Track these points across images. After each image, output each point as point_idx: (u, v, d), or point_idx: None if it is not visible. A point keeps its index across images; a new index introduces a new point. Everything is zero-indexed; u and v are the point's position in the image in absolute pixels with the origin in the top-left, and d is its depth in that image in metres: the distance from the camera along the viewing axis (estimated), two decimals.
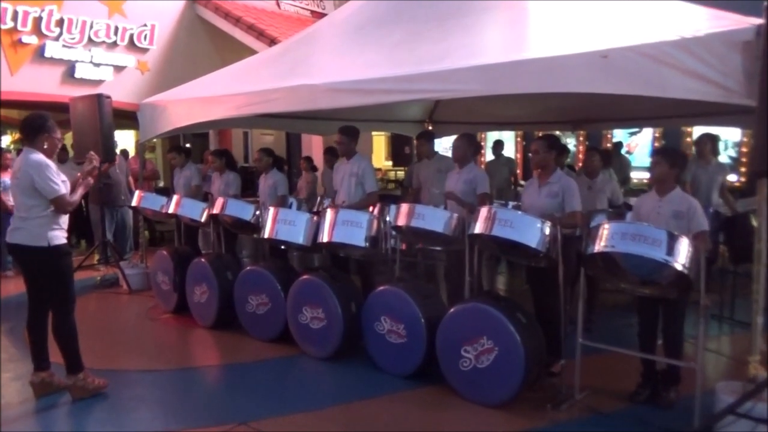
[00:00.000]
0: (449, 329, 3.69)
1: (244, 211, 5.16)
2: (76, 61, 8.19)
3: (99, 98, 6.16)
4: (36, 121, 3.62)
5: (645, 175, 9.81)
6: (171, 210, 5.81)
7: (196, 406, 3.71)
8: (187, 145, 10.58)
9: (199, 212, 5.64)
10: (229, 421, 3.40)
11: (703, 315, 3.16)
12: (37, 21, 7.70)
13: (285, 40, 6.78)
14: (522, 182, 8.76)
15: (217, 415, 3.50)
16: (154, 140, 9.06)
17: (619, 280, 3.57)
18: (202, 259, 5.22)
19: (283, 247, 4.98)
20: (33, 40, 7.74)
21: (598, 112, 6.85)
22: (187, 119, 5.79)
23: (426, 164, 5.80)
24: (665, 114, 6.28)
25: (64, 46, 8.01)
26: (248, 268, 4.97)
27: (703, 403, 3.11)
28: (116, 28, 8.49)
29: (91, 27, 8.21)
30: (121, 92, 8.04)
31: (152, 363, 4.44)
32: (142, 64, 8.92)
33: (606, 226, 3.31)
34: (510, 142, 11.29)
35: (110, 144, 6.35)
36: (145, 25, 8.81)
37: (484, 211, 3.67)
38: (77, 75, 8.20)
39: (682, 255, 3.06)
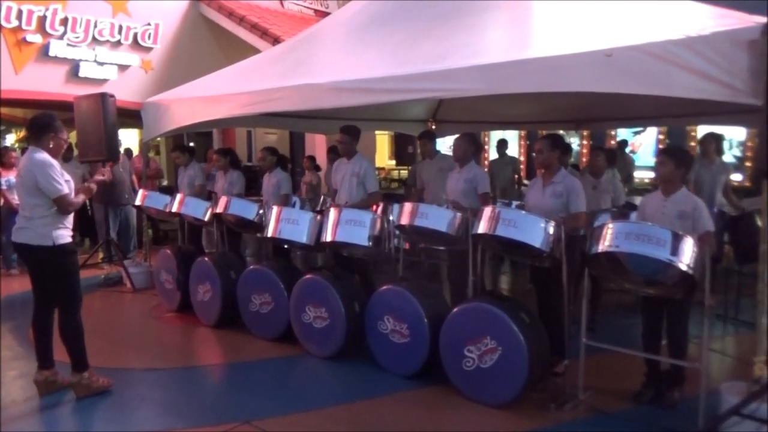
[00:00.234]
0: (452, 329, 3.68)
1: (248, 210, 5.16)
2: (80, 60, 8.21)
3: (103, 97, 6.16)
4: (43, 120, 3.64)
5: (649, 175, 9.81)
6: (174, 209, 5.83)
7: (199, 405, 3.71)
8: (191, 144, 10.58)
9: (202, 211, 5.65)
10: (231, 420, 3.40)
11: (707, 315, 3.15)
12: (42, 20, 7.72)
13: (288, 39, 6.79)
14: (526, 182, 8.73)
15: (219, 414, 3.51)
16: (158, 139, 9.08)
17: (623, 280, 3.56)
18: (206, 258, 5.23)
19: (286, 246, 4.98)
20: (37, 38, 7.76)
21: (602, 112, 6.84)
22: (191, 118, 5.80)
23: (428, 164, 5.80)
24: (670, 113, 6.26)
25: (68, 45, 8.03)
26: (251, 267, 4.97)
27: (707, 403, 3.09)
28: (120, 27, 8.51)
29: (96, 26, 8.23)
30: (125, 91, 8.06)
31: (155, 362, 4.45)
32: (146, 63, 8.94)
33: (610, 225, 3.30)
34: (514, 141, 11.27)
35: (114, 143, 6.35)
36: (149, 24, 8.82)
37: (487, 211, 3.67)
38: (81, 74, 8.22)
39: (687, 255, 3.04)
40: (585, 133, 10.57)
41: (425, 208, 4.17)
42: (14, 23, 7.53)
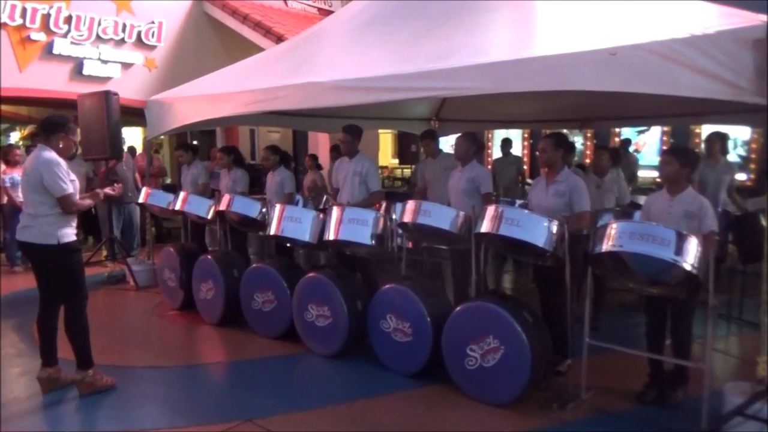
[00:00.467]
0: (455, 328, 3.68)
1: (251, 208, 5.17)
2: (84, 58, 8.24)
3: (107, 95, 6.18)
4: (57, 120, 3.68)
5: (652, 174, 9.78)
6: (178, 207, 5.83)
7: (201, 403, 3.72)
8: (194, 142, 10.62)
9: (205, 209, 5.65)
10: (234, 418, 3.41)
11: (711, 315, 3.14)
12: (46, 18, 7.75)
13: (292, 38, 6.78)
14: (529, 181, 8.72)
15: (222, 412, 3.51)
16: (161, 138, 9.09)
17: (626, 280, 3.54)
18: (209, 256, 5.23)
19: (288, 244, 4.98)
20: (41, 37, 7.79)
21: (606, 111, 6.82)
22: (194, 116, 5.80)
23: (432, 163, 5.79)
24: (674, 112, 6.24)
25: (72, 43, 8.06)
26: (254, 265, 4.97)
27: (710, 403, 3.08)
28: (124, 26, 8.54)
29: (99, 24, 8.26)
30: (128, 89, 8.09)
31: (158, 359, 4.46)
32: (150, 62, 8.95)
33: (614, 225, 3.28)
34: (517, 140, 11.26)
35: (118, 141, 6.38)
36: (153, 23, 8.84)
37: (491, 210, 3.66)
38: (85, 72, 8.25)
39: (691, 255, 3.02)
40: (589, 132, 10.54)
41: (428, 206, 4.15)
42: (18, 21, 7.56)
